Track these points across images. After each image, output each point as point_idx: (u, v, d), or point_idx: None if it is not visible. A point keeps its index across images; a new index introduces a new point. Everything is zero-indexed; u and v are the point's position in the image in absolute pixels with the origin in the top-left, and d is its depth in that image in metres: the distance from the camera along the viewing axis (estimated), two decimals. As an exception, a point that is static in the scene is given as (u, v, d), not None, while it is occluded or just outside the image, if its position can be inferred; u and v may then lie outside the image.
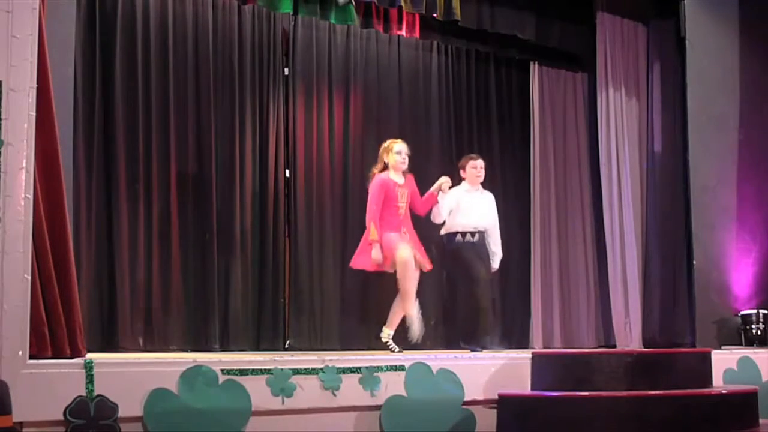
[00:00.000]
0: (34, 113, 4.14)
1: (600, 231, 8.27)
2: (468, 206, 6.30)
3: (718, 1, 7.84)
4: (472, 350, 5.93)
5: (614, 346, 7.89)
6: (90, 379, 4.09)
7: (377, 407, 4.83)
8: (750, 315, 7.31)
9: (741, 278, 7.53)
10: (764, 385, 6.03)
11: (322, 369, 4.70)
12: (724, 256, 7.52)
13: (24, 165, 4.06)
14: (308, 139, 7.24)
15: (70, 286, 4.31)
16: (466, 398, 5.07)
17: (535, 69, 8.41)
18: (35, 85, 4.16)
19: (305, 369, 4.66)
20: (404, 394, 4.91)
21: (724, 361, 6.12)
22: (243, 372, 4.49)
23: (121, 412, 4.12)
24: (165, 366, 4.38)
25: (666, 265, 7.91)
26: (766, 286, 7.57)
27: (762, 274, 7.61)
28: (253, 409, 4.46)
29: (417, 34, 7.95)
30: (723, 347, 6.98)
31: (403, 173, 6.14)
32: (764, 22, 7.94)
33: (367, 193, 6.12)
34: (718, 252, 7.51)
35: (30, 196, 4.08)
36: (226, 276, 6.72)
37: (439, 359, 5.12)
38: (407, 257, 5.83)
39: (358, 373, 4.80)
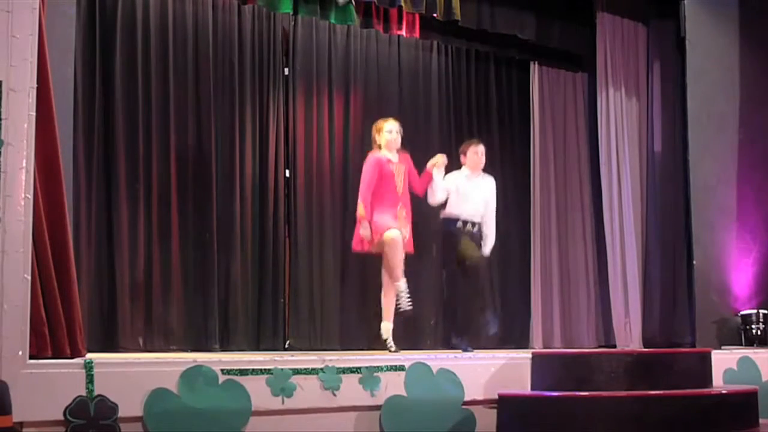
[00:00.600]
0: (34, 113, 4.14)
1: (600, 231, 8.28)
2: (469, 191, 6.30)
3: (718, 1, 7.84)
4: (464, 350, 5.93)
5: (614, 346, 7.89)
6: (90, 379, 4.09)
7: (377, 407, 4.84)
8: (750, 315, 7.31)
9: (741, 278, 7.53)
10: (764, 385, 6.03)
11: (322, 369, 4.70)
12: (724, 256, 7.52)
13: (24, 165, 4.07)
14: (308, 139, 7.24)
15: (70, 286, 4.31)
16: (466, 398, 5.07)
17: (535, 69, 8.41)
18: (35, 85, 4.16)
19: (305, 369, 4.66)
20: (404, 394, 4.91)
21: (724, 361, 6.13)
22: (243, 372, 4.49)
23: (121, 412, 4.12)
24: (165, 366, 4.38)
25: (666, 265, 7.92)
26: (766, 286, 7.57)
27: (762, 274, 7.61)
28: (253, 409, 4.46)
29: (417, 34, 7.95)
30: (723, 347, 6.98)
31: (398, 151, 6.16)
32: (764, 22, 7.94)
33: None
34: (718, 252, 7.51)
35: (30, 196, 4.08)
36: (226, 276, 6.72)
37: (439, 359, 5.12)
38: (394, 235, 5.86)
39: (358, 373, 4.80)
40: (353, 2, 7.36)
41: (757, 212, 7.72)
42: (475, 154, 6.40)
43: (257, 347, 6.73)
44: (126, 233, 6.31)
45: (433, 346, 7.21)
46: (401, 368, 4.95)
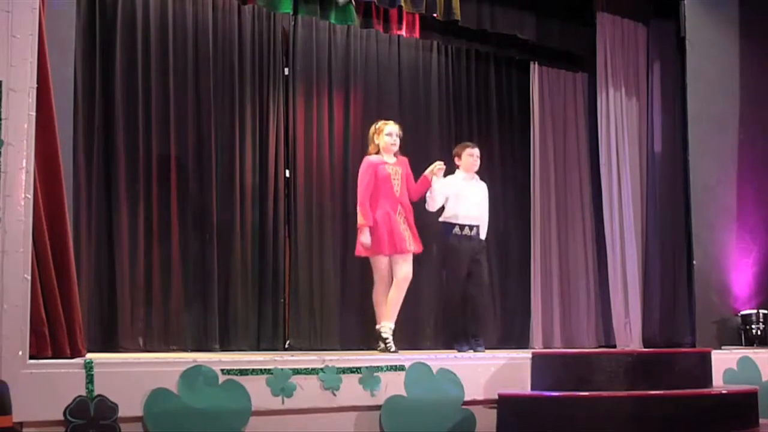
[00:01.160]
0: (34, 113, 4.15)
1: (600, 231, 8.27)
2: (467, 194, 6.30)
3: (718, 1, 7.83)
4: (459, 350, 5.93)
5: (614, 346, 7.89)
6: (90, 379, 4.09)
7: (377, 407, 4.84)
8: (750, 315, 7.30)
9: (741, 278, 7.53)
10: (764, 385, 6.03)
11: (322, 369, 4.70)
12: (724, 256, 7.51)
13: (24, 165, 4.07)
14: (308, 139, 7.24)
15: (70, 286, 4.32)
16: (466, 398, 5.07)
17: (535, 69, 8.41)
18: (35, 85, 4.17)
19: (305, 369, 4.66)
20: (404, 394, 4.91)
21: (724, 361, 6.13)
22: (243, 372, 4.49)
23: (121, 412, 4.12)
24: (165, 366, 4.38)
25: (666, 265, 7.92)
26: (766, 286, 7.57)
27: (762, 274, 7.61)
28: (253, 409, 4.46)
29: (417, 34, 7.94)
30: (723, 347, 6.98)
31: (395, 154, 6.15)
32: (764, 22, 7.94)
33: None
34: (718, 252, 7.51)
35: (30, 196, 4.08)
36: (226, 276, 6.71)
37: (439, 359, 5.12)
38: (407, 273, 5.93)
39: (358, 373, 4.80)
40: (353, 2, 7.35)
41: (757, 212, 7.71)
42: (470, 156, 6.40)
43: (257, 347, 6.73)
44: (126, 233, 6.31)
45: (434, 346, 7.21)
46: (401, 368, 4.95)
